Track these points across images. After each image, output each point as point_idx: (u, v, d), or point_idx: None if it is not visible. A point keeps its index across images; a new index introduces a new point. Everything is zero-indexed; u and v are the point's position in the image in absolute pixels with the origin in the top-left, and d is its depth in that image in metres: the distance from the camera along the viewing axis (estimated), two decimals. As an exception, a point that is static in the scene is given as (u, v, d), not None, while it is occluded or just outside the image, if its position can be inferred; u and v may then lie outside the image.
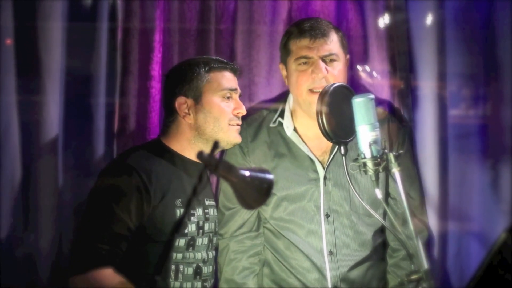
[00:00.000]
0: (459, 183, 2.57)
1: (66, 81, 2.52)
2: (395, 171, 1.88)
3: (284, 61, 2.44)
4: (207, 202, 2.33)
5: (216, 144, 1.63)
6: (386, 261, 2.48)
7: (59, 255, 2.46)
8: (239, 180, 1.71)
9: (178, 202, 2.20)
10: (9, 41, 2.43)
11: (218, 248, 2.46)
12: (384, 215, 2.40)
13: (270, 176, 1.78)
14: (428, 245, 2.49)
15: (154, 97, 2.61)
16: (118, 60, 2.61)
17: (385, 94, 2.65)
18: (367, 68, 2.70)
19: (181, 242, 2.19)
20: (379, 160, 1.92)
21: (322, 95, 2.05)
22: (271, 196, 2.36)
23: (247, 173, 1.72)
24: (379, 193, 1.97)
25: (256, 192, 1.75)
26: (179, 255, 2.19)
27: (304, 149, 2.41)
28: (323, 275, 2.38)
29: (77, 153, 2.56)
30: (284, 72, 2.46)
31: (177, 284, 2.19)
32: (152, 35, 2.61)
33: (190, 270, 2.22)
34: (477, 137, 2.58)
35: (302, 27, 2.36)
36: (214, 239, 2.36)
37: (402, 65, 2.64)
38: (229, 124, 2.27)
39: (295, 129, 2.44)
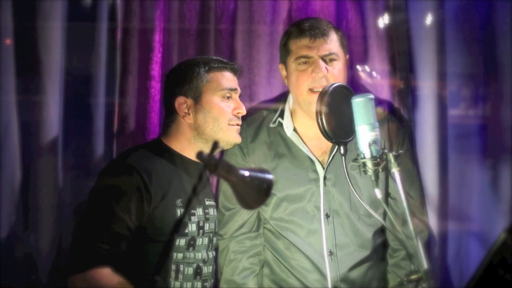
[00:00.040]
0: (459, 183, 2.57)
1: (65, 81, 2.52)
2: (395, 171, 1.88)
3: (283, 61, 2.44)
4: (207, 202, 2.33)
5: (215, 144, 1.63)
6: (386, 261, 2.48)
7: (59, 255, 2.46)
8: (238, 180, 1.71)
9: (179, 202, 2.20)
10: (9, 41, 2.43)
11: (218, 249, 2.46)
12: (384, 215, 2.40)
13: (270, 176, 1.78)
14: (428, 245, 2.49)
15: (153, 97, 2.61)
16: (118, 60, 2.61)
17: (385, 94, 2.65)
18: (367, 68, 2.70)
19: (181, 242, 2.19)
20: (378, 160, 1.92)
21: (322, 95, 2.05)
22: (271, 197, 2.36)
23: (246, 173, 1.73)
24: (378, 193, 1.97)
25: (256, 192, 1.76)
26: (180, 255, 2.19)
27: (304, 149, 2.41)
28: (323, 275, 2.38)
29: (77, 153, 2.56)
30: (283, 72, 2.46)
31: (177, 284, 2.19)
32: (151, 35, 2.61)
33: (190, 270, 2.22)
34: (477, 137, 2.58)
35: (301, 26, 2.36)
36: (214, 239, 2.36)
37: (402, 65, 2.64)
38: (229, 124, 2.27)
39: (295, 129, 2.44)
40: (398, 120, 2.53)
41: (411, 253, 1.93)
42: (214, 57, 2.37)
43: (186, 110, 2.25)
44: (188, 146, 2.28)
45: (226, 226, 2.46)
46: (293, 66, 2.37)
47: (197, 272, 2.24)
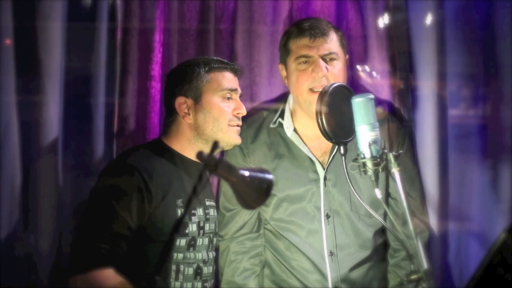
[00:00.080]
0: (459, 183, 2.57)
1: (65, 81, 2.52)
2: (395, 171, 1.88)
3: (283, 61, 2.44)
4: (207, 203, 2.33)
5: (215, 144, 1.63)
6: (387, 261, 2.48)
7: (59, 255, 2.46)
8: (238, 180, 1.71)
9: (179, 202, 2.19)
10: (8, 41, 2.43)
11: (218, 249, 2.46)
12: (385, 215, 2.40)
13: (270, 176, 1.78)
14: (429, 245, 2.49)
15: (153, 97, 2.60)
16: (118, 60, 2.61)
17: (385, 94, 2.65)
18: (367, 68, 2.70)
19: (182, 242, 2.19)
20: (378, 160, 1.92)
21: (322, 95, 2.05)
22: (271, 197, 2.36)
23: (246, 173, 1.73)
24: (378, 193, 1.97)
25: (256, 192, 1.76)
26: (180, 255, 2.19)
27: (304, 149, 2.41)
28: (323, 275, 2.38)
29: (77, 153, 2.56)
30: (283, 73, 2.46)
31: (178, 284, 2.19)
32: (152, 35, 2.61)
33: (190, 270, 2.22)
34: (477, 137, 2.57)
35: (301, 26, 2.36)
36: (214, 239, 2.36)
37: (402, 65, 2.64)
38: (229, 125, 2.27)
39: (295, 130, 2.44)
40: (398, 120, 2.53)
41: (411, 253, 1.93)
42: (215, 57, 2.37)
43: (186, 110, 2.25)
44: (188, 146, 2.28)
45: (226, 227, 2.46)
46: (293, 66, 2.37)
47: (197, 272, 2.23)
